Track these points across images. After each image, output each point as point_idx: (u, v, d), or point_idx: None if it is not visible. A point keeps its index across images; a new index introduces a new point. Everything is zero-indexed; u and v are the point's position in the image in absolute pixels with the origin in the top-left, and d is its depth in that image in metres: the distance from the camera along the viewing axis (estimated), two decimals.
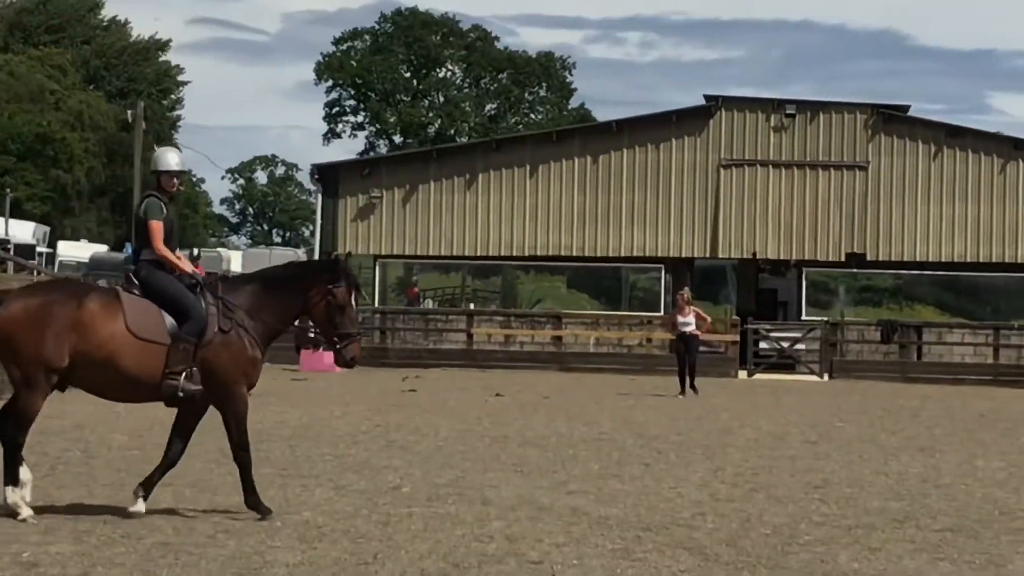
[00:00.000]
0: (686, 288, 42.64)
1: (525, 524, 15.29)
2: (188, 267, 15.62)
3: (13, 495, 14.77)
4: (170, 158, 16.00)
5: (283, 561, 12.90)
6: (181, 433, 15.68)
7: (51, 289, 16.30)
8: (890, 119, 56.55)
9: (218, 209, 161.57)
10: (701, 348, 41.52)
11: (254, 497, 15.40)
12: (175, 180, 15.92)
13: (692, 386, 38.18)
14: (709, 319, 40.66)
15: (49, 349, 14.70)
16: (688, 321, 38.99)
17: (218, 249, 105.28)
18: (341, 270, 15.86)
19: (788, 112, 56.26)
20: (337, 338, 15.74)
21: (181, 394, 15.21)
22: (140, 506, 15.12)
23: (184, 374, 15.15)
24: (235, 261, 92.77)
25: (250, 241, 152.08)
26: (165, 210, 15.60)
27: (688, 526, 15.62)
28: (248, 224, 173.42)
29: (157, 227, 15.43)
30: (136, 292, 15.31)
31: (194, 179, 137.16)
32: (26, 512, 14.68)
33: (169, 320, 15.15)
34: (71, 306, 14.90)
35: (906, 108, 57.84)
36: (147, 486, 15.36)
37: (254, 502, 15.36)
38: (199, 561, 12.82)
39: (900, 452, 24.61)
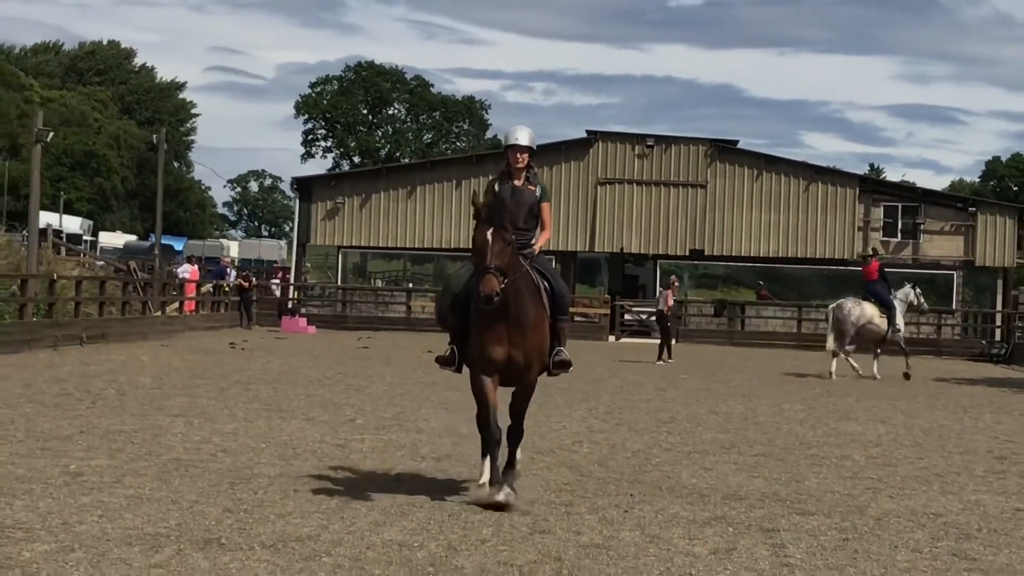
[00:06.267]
0: (674, 277, 42.81)
1: (448, 448, 15.26)
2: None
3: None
4: (519, 134, 12.32)
5: (266, 474, 12.82)
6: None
7: None
8: (724, 150, 56.94)
9: (221, 210, 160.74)
10: (578, 319, 41.30)
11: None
12: (519, 155, 12.27)
13: (670, 355, 36.71)
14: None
15: None
16: (670, 304, 38.31)
17: (221, 240, 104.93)
18: (481, 208, 11.60)
19: (648, 144, 56.60)
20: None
21: None
22: (504, 494, 11.43)
23: None
24: (233, 249, 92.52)
25: (244, 234, 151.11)
26: (496, 190, 12.17)
27: (569, 450, 15.64)
28: (243, 221, 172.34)
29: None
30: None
31: (203, 187, 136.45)
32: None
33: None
34: None
35: (736, 142, 58.21)
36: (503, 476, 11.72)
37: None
38: (203, 473, 12.72)
39: (728, 397, 24.75)
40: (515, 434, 11.98)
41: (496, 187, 12.22)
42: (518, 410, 12.00)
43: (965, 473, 14.94)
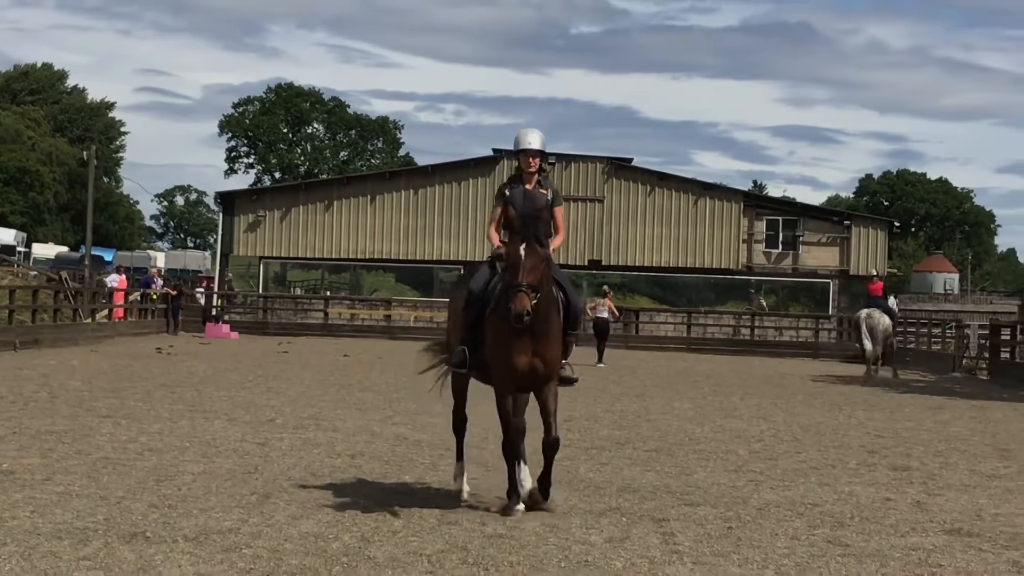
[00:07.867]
0: (607, 287, 43.48)
1: (363, 446, 15.23)
2: (495, 241, 11.33)
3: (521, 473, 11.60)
4: (531, 138, 11.23)
5: (190, 471, 12.73)
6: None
7: None
8: (620, 167, 57.30)
9: (148, 223, 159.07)
10: None
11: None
12: (531, 159, 11.22)
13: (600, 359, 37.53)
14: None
15: None
16: (616, 313, 39.71)
17: (148, 251, 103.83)
18: (512, 220, 10.95)
19: (550, 161, 56.67)
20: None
21: None
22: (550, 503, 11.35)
23: None
24: (160, 260, 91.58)
25: (171, 246, 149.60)
26: (507, 194, 11.19)
27: (478, 447, 15.58)
28: (170, 234, 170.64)
29: (494, 212, 11.37)
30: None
31: (131, 201, 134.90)
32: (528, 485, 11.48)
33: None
34: None
35: (631, 160, 58.59)
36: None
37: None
38: (130, 470, 12.60)
39: (623, 397, 24.88)
40: (551, 448, 11.19)
41: (507, 192, 11.25)
42: (548, 412, 11.17)
43: (839, 466, 15.13)
